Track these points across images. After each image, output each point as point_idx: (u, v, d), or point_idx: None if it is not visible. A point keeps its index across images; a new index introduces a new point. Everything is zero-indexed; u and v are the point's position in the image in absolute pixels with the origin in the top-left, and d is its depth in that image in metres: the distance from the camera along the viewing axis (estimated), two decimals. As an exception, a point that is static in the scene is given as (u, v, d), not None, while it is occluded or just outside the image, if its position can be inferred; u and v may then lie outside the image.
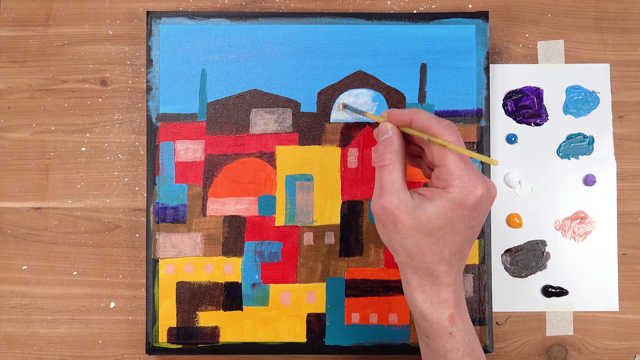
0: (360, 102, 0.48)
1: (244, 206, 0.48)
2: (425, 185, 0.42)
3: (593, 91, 0.50)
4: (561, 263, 0.50)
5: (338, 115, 0.49)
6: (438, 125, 0.37)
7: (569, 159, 0.50)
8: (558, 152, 0.50)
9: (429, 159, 0.39)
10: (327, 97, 0.49)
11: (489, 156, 0.48)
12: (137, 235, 0.50)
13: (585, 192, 0.50)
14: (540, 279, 0.50)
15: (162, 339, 0.48)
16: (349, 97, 0.49)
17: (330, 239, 0.48)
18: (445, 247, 0.37)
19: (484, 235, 0.48)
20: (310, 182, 0.48)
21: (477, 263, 0.48)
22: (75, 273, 0.50)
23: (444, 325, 0.38)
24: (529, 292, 0.50)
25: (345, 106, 0.47)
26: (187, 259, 0.48)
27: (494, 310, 0.49)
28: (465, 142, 0.48)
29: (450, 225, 0.37)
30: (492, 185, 0.38)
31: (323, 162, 0.48)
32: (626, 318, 0.50)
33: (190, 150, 0.48)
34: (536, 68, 0.51)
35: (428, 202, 0.37)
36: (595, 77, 0.50)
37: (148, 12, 0.48)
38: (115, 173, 0.50)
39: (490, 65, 0.50)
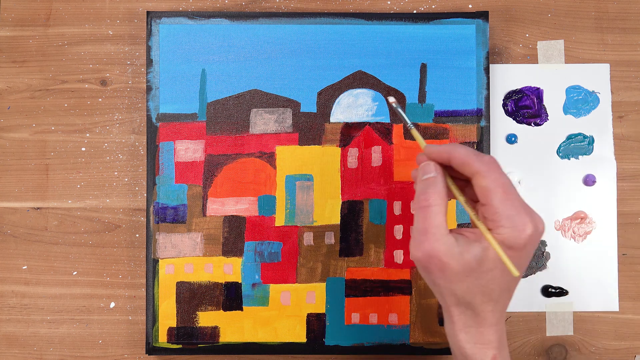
0: (360, 102, 0.49)
1: (244, 206, 0.48)
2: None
3: (593, 91, 0.50)
4: (561, 263, 0.50)
5: (338, 115, 0.49)
6: (479, 162, 0.35)
7: (569, 159, 0.50)
8: (558, 152, 0.50)
9: (472, 192, 0.37)
10: (327, 97, 0.49)
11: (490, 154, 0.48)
12: (137, 235, 0.50)
13: (585, 192, 0.50)
14: (540, 279, 0.50)
15: (162, 339, 0.48)
16: (349, 97, 0.49)
17: (330, 239, 0.48)
18: (495, 288, 0.36)
19: (484, 235, 0.48)
20: (310, 182, 0.48)
21: (477, 263, 0.48)
22: (75, 273, 0.50)
23: None
24: (529, 292, 0.50)
25: (392, 104, 0.41)
26: (187, 259, 0.48)
27: (494, 310, 0.49)
28: (466, 142, 0.48)
29: (500, 266, 0.35)
30: (540, 220, 0.36)
31: (323, 162, 0.48)
32: (626, 318, 0.50)
33: (190, 150, 0.48)
34: (536, 68, 0.51)
35: (476, 245, 0.35)
36: (595, 77, 0.50)
37: (148, 12, 0.48)
38: (115, 173, 0.50)
39: (490, 65, 0.50)
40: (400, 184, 0.48)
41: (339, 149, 0.48)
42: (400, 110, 0.41)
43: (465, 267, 0.35)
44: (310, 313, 0.48)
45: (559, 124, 0.50)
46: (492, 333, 0.37)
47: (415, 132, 0.40)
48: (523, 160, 0.50)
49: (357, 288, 0.48)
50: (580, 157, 0.50)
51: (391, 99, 0.41)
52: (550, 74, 0.50)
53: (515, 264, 0.35)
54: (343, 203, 0.48)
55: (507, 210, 0.34)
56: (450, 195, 0.38)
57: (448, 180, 0.37)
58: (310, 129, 0.48)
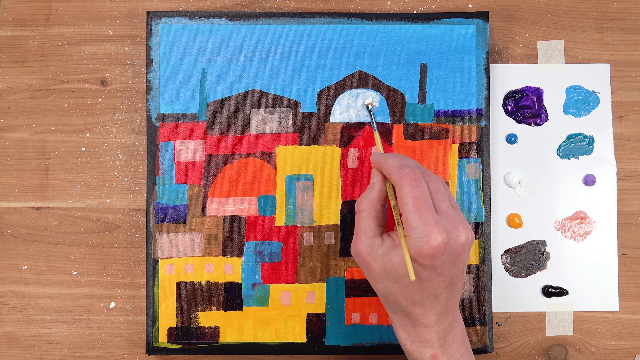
0: (360, 102, 0.49)
1: (244, 206, 0.48)
2: None
3: (593, 91, 0.50)
4: (561, 263, 0.50)
5: (338, 115, 0.49)
6: (397, 175, 0.38)
7: (569, 159, 0.50)
8: (558, 152, 0.50)
9: None
10: (327, 97, 0.49)
11: (489, 156, 0.48)
12: (137, 235, 0.50)
13: (585, 192, 0.50)
14: (540, 279, 0.50)
15: (162, 339, 0.48)
16: (349, 97, 0.49)
17: (330, 239, 0.48)
18: (415, 293, 0.37)
19: (484, 236, 0.48)
20: (310, 182, 0.48)
21: (477, 263, 0.48)
22: (75, 273, 0.50)
23: None
24: (529, 292, 0.50)
25: (370, 107, 0.47)
26: (187, 259, 0.48)
27: (494, 310, 0.49)
28: (466, 142, 0.48)
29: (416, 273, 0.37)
30: (462, 232, 0.37)
31: (323, 162, 0.48)
32: (626, 318, 0.50)
33: (190, 150, 0.48)
34: (536, 68, 0.51)
35: (394, 249, 0.37)
36: (595, 77, 0.50)
37: (148, 12, 0.48)
38: (115, 173, 0.50)
39: (490, 65, 0.50)
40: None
41: (339, 149, 0.48)
42: (372, 114, 0.47)
43: (384, 269, 0.37)
44: (310, 313, 0.48)
45: (559, 124, 0.50)
46: (429, 333, 0.38)
47: (376, 137, 0.45)
48: (523, 160, 0.50)
49: (357, 288, 0.48)
50: (580, 157, 0.50)
51: (368, 100, 0.47)
52: (550, 74, 0.51)
53: (432, 273, 0.37)
54: (343, 203, 0.48)
55: (414, 221, 0.36)
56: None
57: (388, 184, 0.40)
58: (310, 129, 0.48)
